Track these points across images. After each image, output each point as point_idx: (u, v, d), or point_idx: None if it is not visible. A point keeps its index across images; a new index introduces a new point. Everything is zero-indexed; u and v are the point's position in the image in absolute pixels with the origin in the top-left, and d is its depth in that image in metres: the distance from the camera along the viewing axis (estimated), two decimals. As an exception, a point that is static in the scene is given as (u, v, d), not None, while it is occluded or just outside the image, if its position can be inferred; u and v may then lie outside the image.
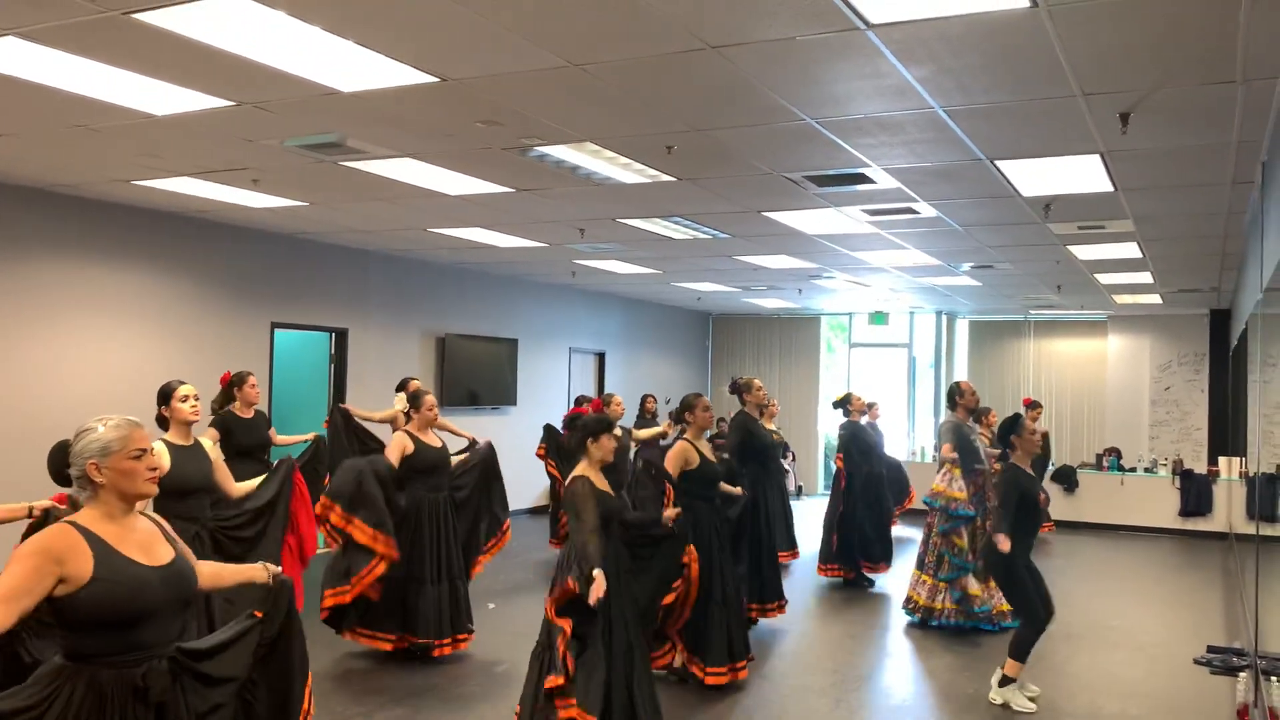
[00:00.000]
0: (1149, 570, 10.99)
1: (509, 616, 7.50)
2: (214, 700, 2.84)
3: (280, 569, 3.25)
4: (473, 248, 10.57)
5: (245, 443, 7.09)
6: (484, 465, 6.74)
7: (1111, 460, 14.12)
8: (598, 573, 4.44)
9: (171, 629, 2.75)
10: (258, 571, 3.20)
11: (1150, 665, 6.92)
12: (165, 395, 5.00)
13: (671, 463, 5.97)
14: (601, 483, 4.86)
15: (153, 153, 6.54)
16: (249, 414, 7.22)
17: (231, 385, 7.18)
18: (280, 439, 7.56)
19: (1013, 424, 6.09)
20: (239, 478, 5.32)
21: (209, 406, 6.96)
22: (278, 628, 3.07)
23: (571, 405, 12.18)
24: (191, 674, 2.79)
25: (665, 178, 6.93)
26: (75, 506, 2.81)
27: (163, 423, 4.99)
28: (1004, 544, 5.75)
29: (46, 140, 6.29)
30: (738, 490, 6.57)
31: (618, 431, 9.42)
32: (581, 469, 4.85)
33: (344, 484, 6.11)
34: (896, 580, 9.49)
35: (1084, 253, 9.79)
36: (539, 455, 9.81)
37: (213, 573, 3.17)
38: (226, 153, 6.48)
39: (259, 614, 3.06)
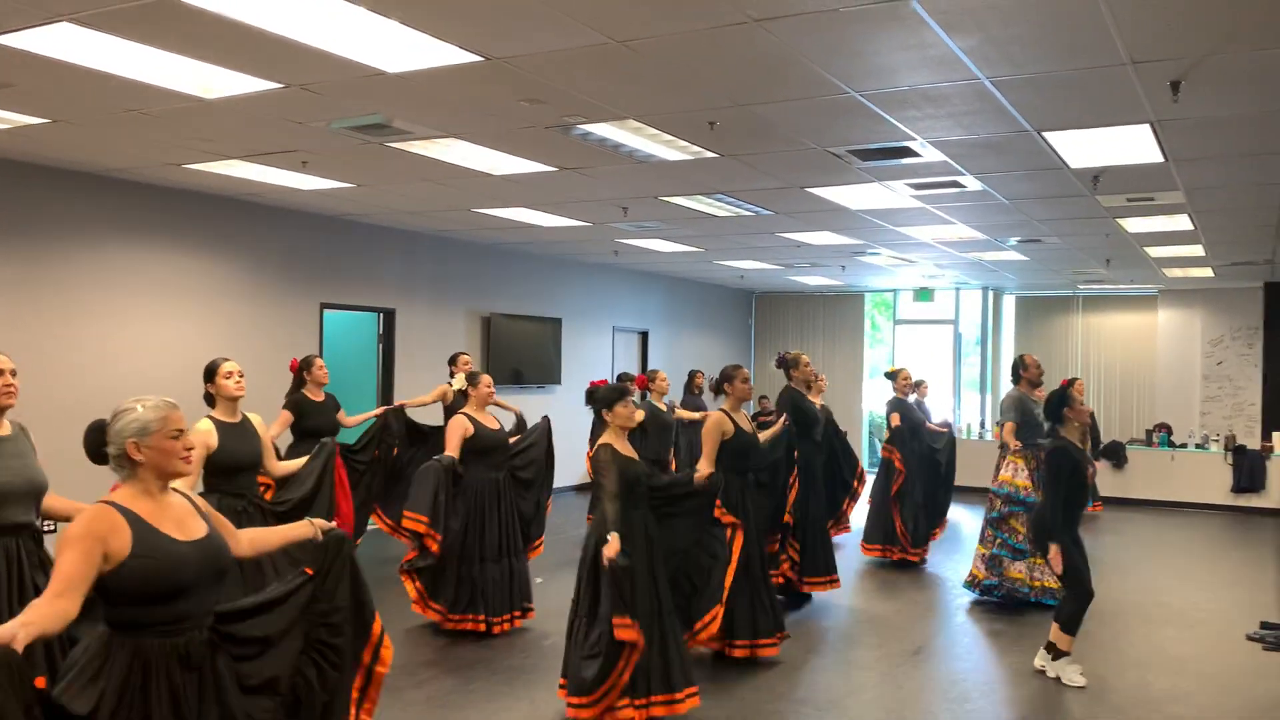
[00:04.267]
0: (1200, 547, 10.85)
1: (557, 591, 7.57)
2: (258, 659, 2.93)
3: (332, 524, 3.33)
4: (517, 228, 10.63)
5: (317, 424, 7.24)
6: (548, 444, 6.89)
7: (1162, 436, 13.93)
8: (612, 535, 4.64)
9: (209, 601, 2.83)
10: (304, 529, 3.27)
11: (1202, 642, 6.85)
12: (210, 372, 5.06)
13: (709, 435, 5.97)
14: (626, 450, 5.02)
15: (204, 136, 6.65)
16: (320, 396, 7.39)
17: (301, 369, 7.36)
18: (349, 420, 7.67)
19: (1062, 396, 6.03)
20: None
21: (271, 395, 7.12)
22: (335, 582, 3.16)
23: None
24: (229, 639, 2.88)
25: (708, 154, 6.92)
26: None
27: (210, 400, 5.06)
28: (1056, 561, 5.75)
29: (100, 125, 6.41)
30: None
31: (662, 406, 9.46)
32: (606, 437, 5.06)
33: (425, 495, 6.22)
34: (946, 558, 9.46)
35: (1134, 225, 9.63)
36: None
37: (255, 538, 3.23)
38: (276, 135, 6.57)
39: (309, 570, 3.13)
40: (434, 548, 6.23)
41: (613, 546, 4.61)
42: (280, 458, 6.24)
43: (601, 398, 5.18)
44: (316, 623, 3.10)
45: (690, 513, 5.32)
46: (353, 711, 3.21)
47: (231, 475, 4.89)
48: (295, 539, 3.28)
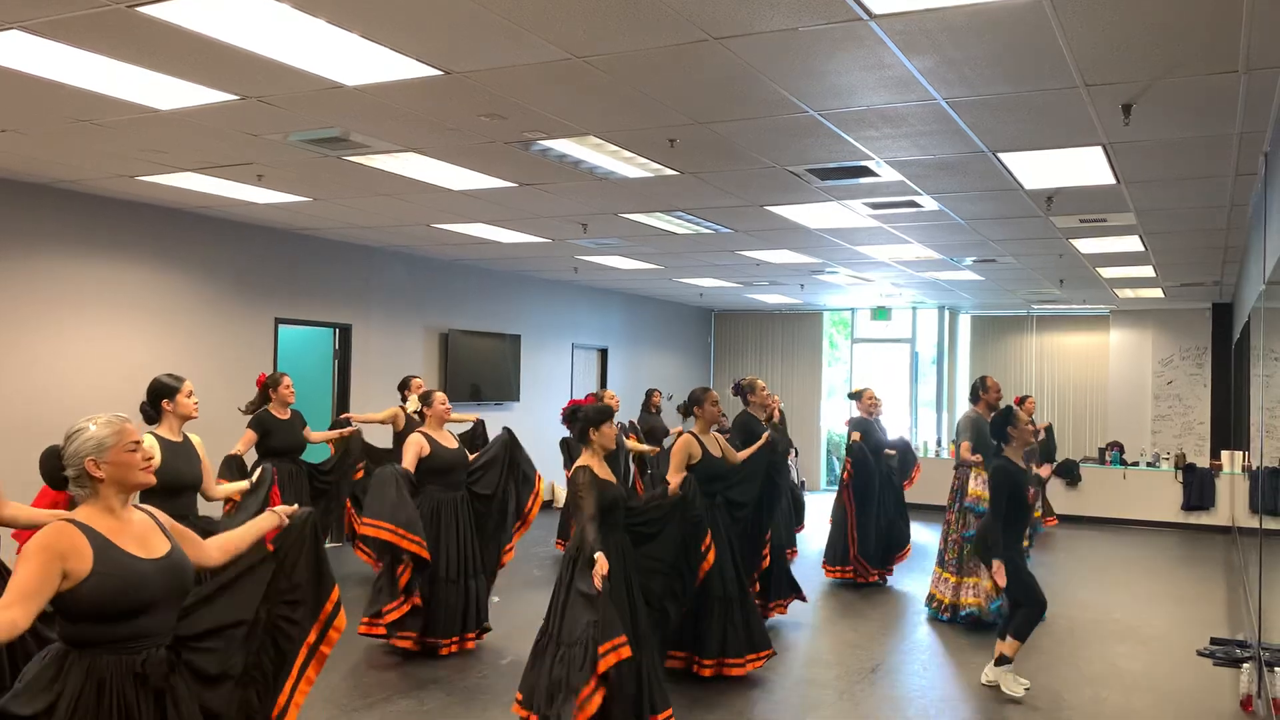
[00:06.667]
0: (1152, 564, 10.99)
1: (514, 610, 7.51)
2: (219, 649, 2.96)
3: (295, 507, 3.37)
4: (476, 243, 10.58)
5: (282, 443, 7.09)
6: (509, 456, 6.70)
7: (1114, 454, 14.12)
8: (599, 555, 4.54)
9: (170, 618, 2.82)
10: (270, 520, 3.29)
11: (1153, 657, 6.93)
12: (171, 391, 4.95)
13: (676, 455, 5.99)
14: (604, 472, 4.93)
15: (157, 148, 6.56)
16: (285, 414, 7.28)
17: (267, 386, 7.24)
18: (315, 436, 7.57)
19: (1007, 416, 6.12)
20: None
21: (225, 409, 6.97)
22: (296, 558, 3.22)
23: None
24: (190, 638, 2.89)
25: (668, 172, 6.93)
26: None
27: (149, 417, 4.95)
28: (999, 576, 5.85)
29: (50, 135, 6.30)
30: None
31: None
32: (584, 459, 4.95)
33: (385, 500, 6.09)
34: (905, 576, 9.50)
35: (1086, 246, 9.78)
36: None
37: (224, 543, 3.18)
38: (231, 148, 6.49)
39: (271, 548, 3.17)
40: (423, 553, 6.01)
41: (602, 566, 4.50)
42: (247, 475, 6.14)
43: (586, 418, 5.00)
44: (277, 600, 3.14)
45: (667, 534, 5.24)
46: (287, 687, 3.20)
47: (173, 495, 4.78)
48: (264, 531, 3.27)
